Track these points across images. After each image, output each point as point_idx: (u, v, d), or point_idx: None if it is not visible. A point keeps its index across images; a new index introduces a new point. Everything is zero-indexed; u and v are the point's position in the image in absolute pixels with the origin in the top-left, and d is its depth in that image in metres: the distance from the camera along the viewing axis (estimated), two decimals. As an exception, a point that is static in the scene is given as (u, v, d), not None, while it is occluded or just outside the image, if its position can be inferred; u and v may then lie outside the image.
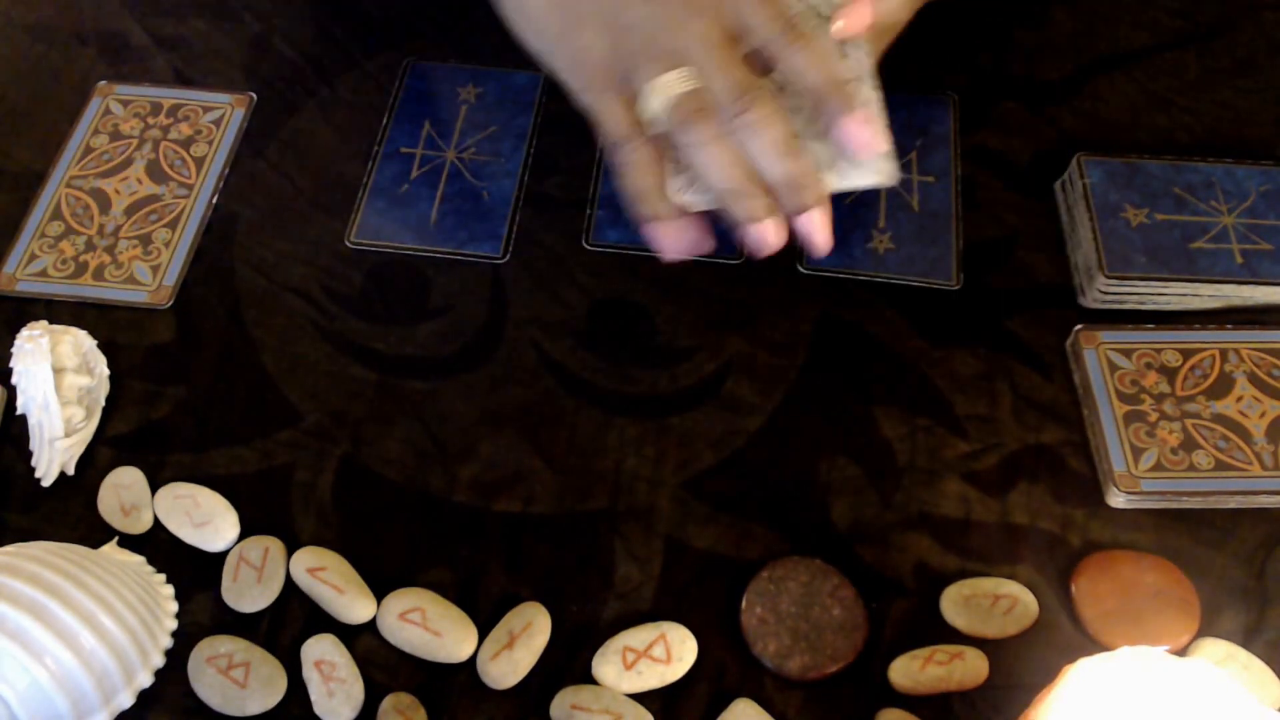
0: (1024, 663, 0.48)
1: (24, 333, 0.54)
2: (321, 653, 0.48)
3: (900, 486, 0.53)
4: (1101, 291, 0.57)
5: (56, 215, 0.62)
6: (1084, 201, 0.59)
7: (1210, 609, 0.49)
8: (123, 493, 0.53)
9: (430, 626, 0.48)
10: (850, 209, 0.62)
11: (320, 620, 0.50)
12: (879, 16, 0.51)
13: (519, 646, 0.48)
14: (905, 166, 0.63)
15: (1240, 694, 0.39)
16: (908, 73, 0.67)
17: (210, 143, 0.65)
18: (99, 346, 0.56)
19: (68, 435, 0.53)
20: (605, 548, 0.52)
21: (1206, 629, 0.49)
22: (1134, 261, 0.57)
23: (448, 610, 0.49)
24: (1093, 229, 0.58)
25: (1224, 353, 0.55)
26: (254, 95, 0.67)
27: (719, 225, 0.58)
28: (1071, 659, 0.41)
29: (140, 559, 0.51)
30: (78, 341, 0.55)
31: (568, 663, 0.49)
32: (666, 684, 0.48)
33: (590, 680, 0.48)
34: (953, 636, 0.49)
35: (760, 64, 0.50)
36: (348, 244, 0.61)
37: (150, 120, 0.66)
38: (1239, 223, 0.58)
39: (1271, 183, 0.60)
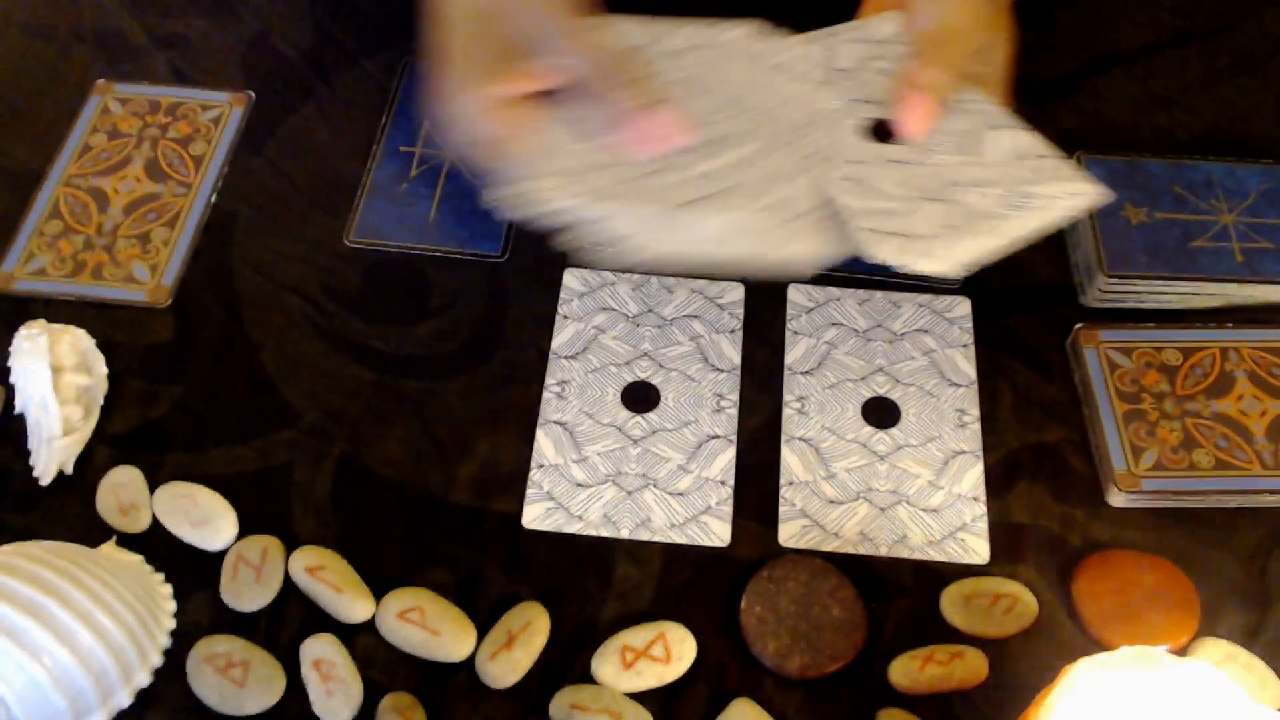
0: (1024, 663, 0.48)
1: (22, 331, 0.54)
2: (320, 652, 0.48)
3: (900, 486, 0.53)
4: (1102, 290, 0.57)
5: (55, 214, 0.62)
6: None
7: (1210, 609, 0.49)
8: (121, 492, 0.53)
9: (429, 626, 0.48)
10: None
11: (319, 620, 0.50)
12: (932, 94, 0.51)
13: (518, 646, 0.48)
14: None
15: (1240, 694, 0.39)
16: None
17: (209, 141, 0.65)
18: (97, 345, 0.56)
19: (66, 434, 0.53)
20: (605, 547, 0.52)
21: (1206, 629, 0.49)
22: (1134, 260, 0.57)
23: (447, 610, 0.49)
24: (1093, 228, 0.57)
25: (1224, 351, 0.55)
26: (253, 94, 0.67)
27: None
28: (1071, 659, 0.41)
29: (139, 558, 0.51)
30: (76, 340, 0.55)
31: (567, 662, 0.49)
32: (666, 683, 0.48)
33: (589, 680, 0.48)
34: (953, 636, 0.49)
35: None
36: (347, 243, 0.61)
37: (149, 119, 0.66)
38: (1239, 221, 0.58)
39: (1272, 181, 0.60)
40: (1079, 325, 0.56)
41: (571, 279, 0.59)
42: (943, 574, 0.50)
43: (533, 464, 0.53)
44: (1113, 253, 0.57)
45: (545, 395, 0.55)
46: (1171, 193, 0.59)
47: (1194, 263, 0.57)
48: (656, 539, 0.51)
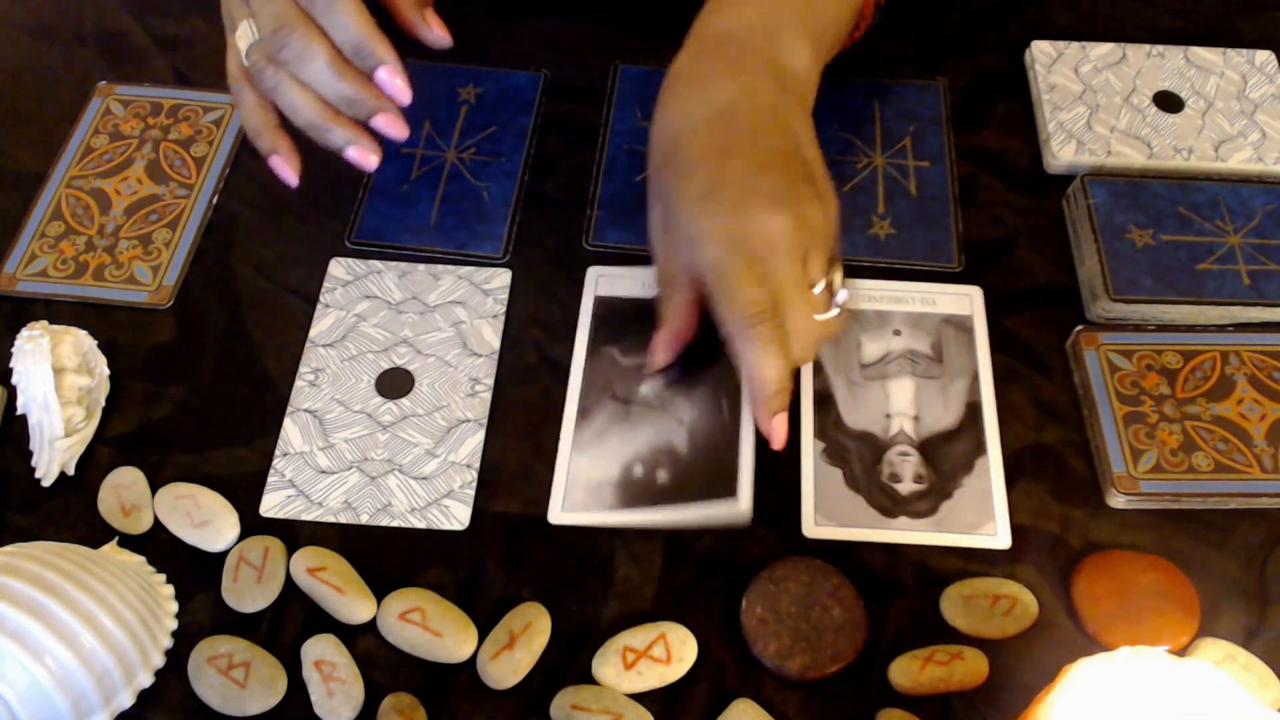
0: (1024, 663, 0.48)
1: (24, 333, 0.54)
2: (321, 653, 0.48)
3: (900, 487, 0.53)
4: (1106, 311, 0.56)
5: (57, 215, 0.62)
6: (1088, 222, 0.58)
7: (1210, 609, 0.49)
8: (123, 493, 0.53)
9: (430, 626, 0.48)
10: (850, 195, 0.62)
11: (320, 620, 0.50)
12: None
13: (519, 646, 0.48)
14: (900, 153, 0.64)
15: (1240, 694, 0.39)
16: (903, 61, 0.68)
17: (210, 143, 0.65)
18: (99, 347, 0.56)
19: (68, 435, 0.53)
20: (605, 548, 0.52)
21: (1206, 629, 0.49)
22: (1140, 284, 0.56)
23: (448, 610, 0.49)
24: (1098, 250, 0.57)
25: (1225, 355, 0.55)
26: (254, 95, 0.67)
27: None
28: (1071, 659, 0.41)
29: (140, 559, 0.51)
30: (78, 341, 0.55)
31: (568, 663, 0.49)
32: (666, 684, 0.48)
33: (590, 680, 0.48)
34: (953, 636, 0.49)
35: None
36: (348, 244, 0.61)
37: (150, 120, 0.66)
38: (1245, 243, 0.58)
39: (1277, 201, 0.59)
40: (1079, 327, 0.56)
41: (336, 267, 0.60)
42: (943, 574, 0.51)
43: (277, 452, 0.54)
44: (1118, 276, 0.56)
45: (297, 384, 0.56)
46: (1176, 214, 0.59)
47: (1200, 285, 0.56)
48: (396, 523, 0.52)
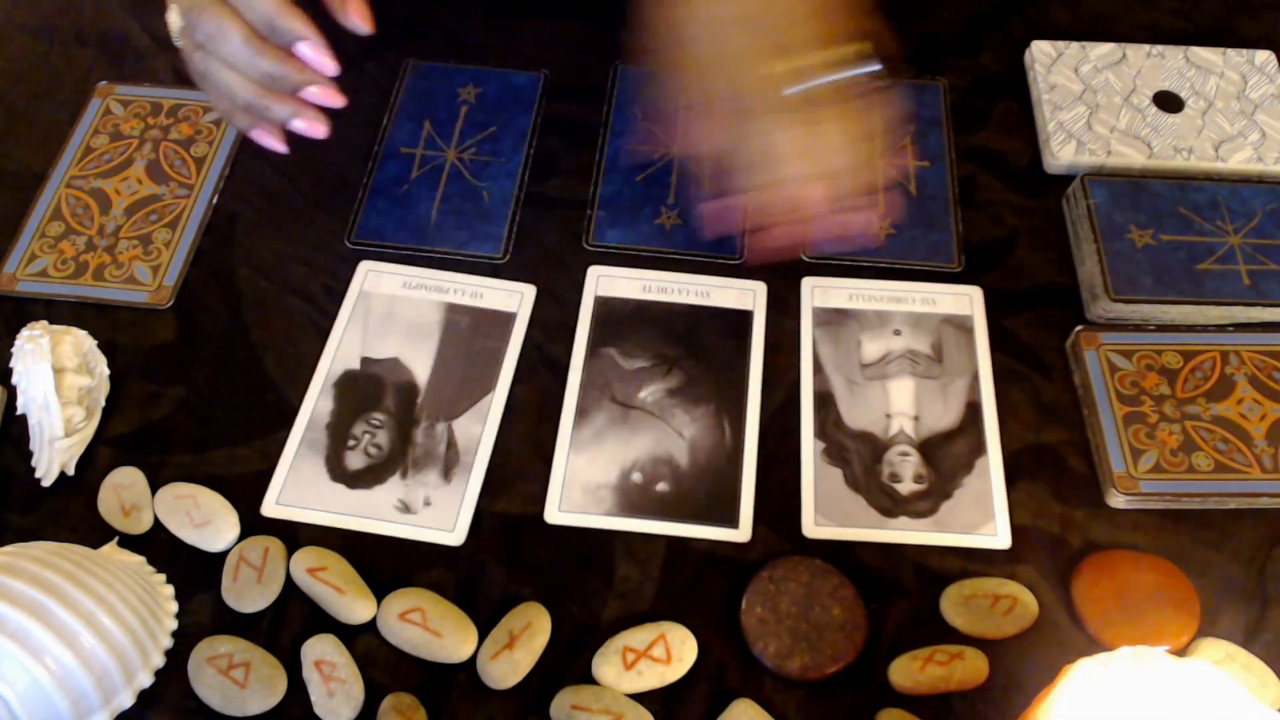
0: (1024, 663, 0.48)
1: (24, 333, 0.54)
2: (321, 653, 0.48)
3: (900, 487, 0.53)
4: (1105, 311, 0.56)
5: (57, 215, 0.62)
6: (1088, 222, 0.58)
7: (1210, 609, 0.49)
8: (123, 493, 0.53)
9: (430, 626, 0.48)
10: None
11: (320, 620, 0.50)
12: None
13: (519, 646, 0.48)
14: (900, 153, 0.64)
15: (1240, 694, 0.39)
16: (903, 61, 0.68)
17: (210, 143, 0.65)
18: (99, 346, 0.56)
19: (68, 435, 0.53)
20: (605, 548, 0.52)
21: (1206, 629, 0.49)
22: (1139, 284, 0.56)
23: (448, 610, 0.49)
24: (1097, 251, 0.57)
25: (1225, 355, 0.55)
26: (254, 95, 0.67)
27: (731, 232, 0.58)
28: (1071, 659, 0.41)
29: (140, 559, 0.51)
30: (78, 341, 0.55)
31: (568, 663, 0.49)
32: (666, 684, 0.48)
33: (590, 680, 0.48)
34: (953, 636, 0.49)
35: None
36: (348, 244, 0.61)
37: (150, 120, 0.66)
38: (1245, 243, 0.58)
39: (1277, 201, 0.59)
40: (1079, 327, 0.56)
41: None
42: (943, 574, 0.51)
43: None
44: (1118, 276, 0.56)
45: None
46: (1177, 214, 0.59)
47: (1200, 286, 0.56)
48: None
